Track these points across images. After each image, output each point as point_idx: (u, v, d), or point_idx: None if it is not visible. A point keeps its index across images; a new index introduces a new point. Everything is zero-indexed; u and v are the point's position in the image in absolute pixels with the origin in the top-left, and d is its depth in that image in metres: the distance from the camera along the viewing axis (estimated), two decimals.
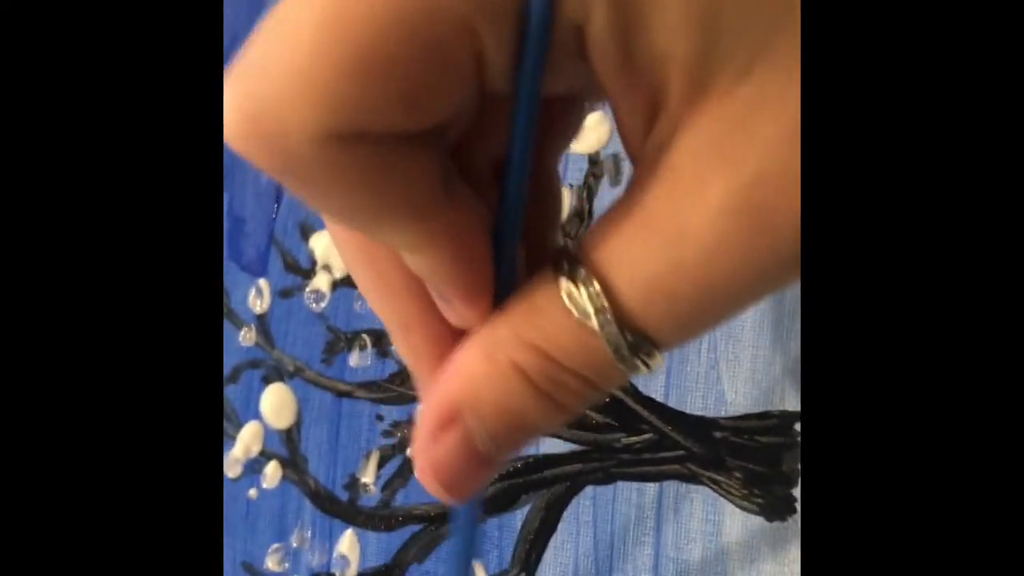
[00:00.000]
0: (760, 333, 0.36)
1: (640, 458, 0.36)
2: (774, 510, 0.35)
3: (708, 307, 0.17)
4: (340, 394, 0.40)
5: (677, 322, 0.17)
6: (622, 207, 0.17)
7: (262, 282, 0.42)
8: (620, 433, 0.36)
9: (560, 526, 0.36)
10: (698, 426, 0.36)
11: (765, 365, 0.36)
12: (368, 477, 0.39)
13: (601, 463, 0.36)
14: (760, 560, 0.35)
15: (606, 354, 0.18)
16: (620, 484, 0.36)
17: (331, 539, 0.39)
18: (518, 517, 0.37)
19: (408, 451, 0.39)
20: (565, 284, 0.18)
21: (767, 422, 0.35)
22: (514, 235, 0.19)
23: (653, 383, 0.36)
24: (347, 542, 0.38)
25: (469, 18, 0.16)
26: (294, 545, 0.40)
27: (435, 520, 0.38)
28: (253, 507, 0.41)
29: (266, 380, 0.41)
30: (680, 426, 0.36)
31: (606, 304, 0.17)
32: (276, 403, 0.41)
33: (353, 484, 0.39)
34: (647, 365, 0.18)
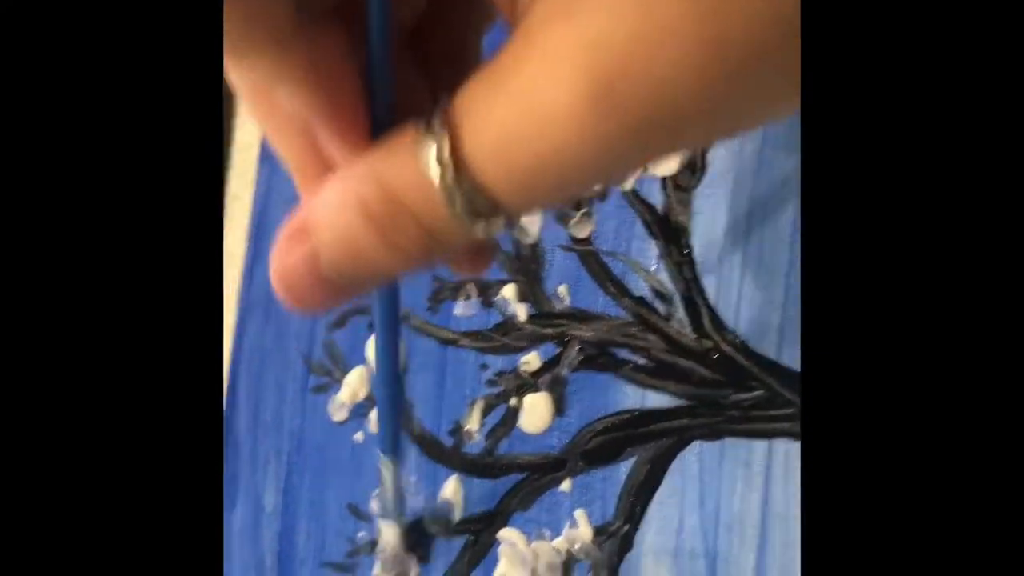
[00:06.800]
0: None
1: (749, 415, 0.35)
2: None
3: (549, 173, 0.17)
4: (446, 342, 0.41)
5: (518, 183, 0.18)
6: (490, 66, 0.18)
7: None
8: (728, 389, 0.36)
9: (665, 480, 0.36)
10: None
11: None
12: (472, 425, 0.39)
13: (708, 419, 0.36)
14: None
15: (443, 204, 0.18)
16: (728, 440, 0.35)
17: (435, 484, 0.39)
18: (622, 470, 0.37)
19: (512, 401, 0.39)
20: (419, 130, 0.18)
21: None
22: (384, 79, 0.20)
23: (766, 339, 0.36)
24: (451, 487, 0.39)
25: None
26: None
27: (539, 469, 0.38)
28: (359, 450, 0.41)
29: (372, 327, 0.42)
30: (792, 384, 0.35)
31: (447, 155, 0.18)
32: None
33: (457, 431, 0.40)
34: (485, 224, 0.18)
